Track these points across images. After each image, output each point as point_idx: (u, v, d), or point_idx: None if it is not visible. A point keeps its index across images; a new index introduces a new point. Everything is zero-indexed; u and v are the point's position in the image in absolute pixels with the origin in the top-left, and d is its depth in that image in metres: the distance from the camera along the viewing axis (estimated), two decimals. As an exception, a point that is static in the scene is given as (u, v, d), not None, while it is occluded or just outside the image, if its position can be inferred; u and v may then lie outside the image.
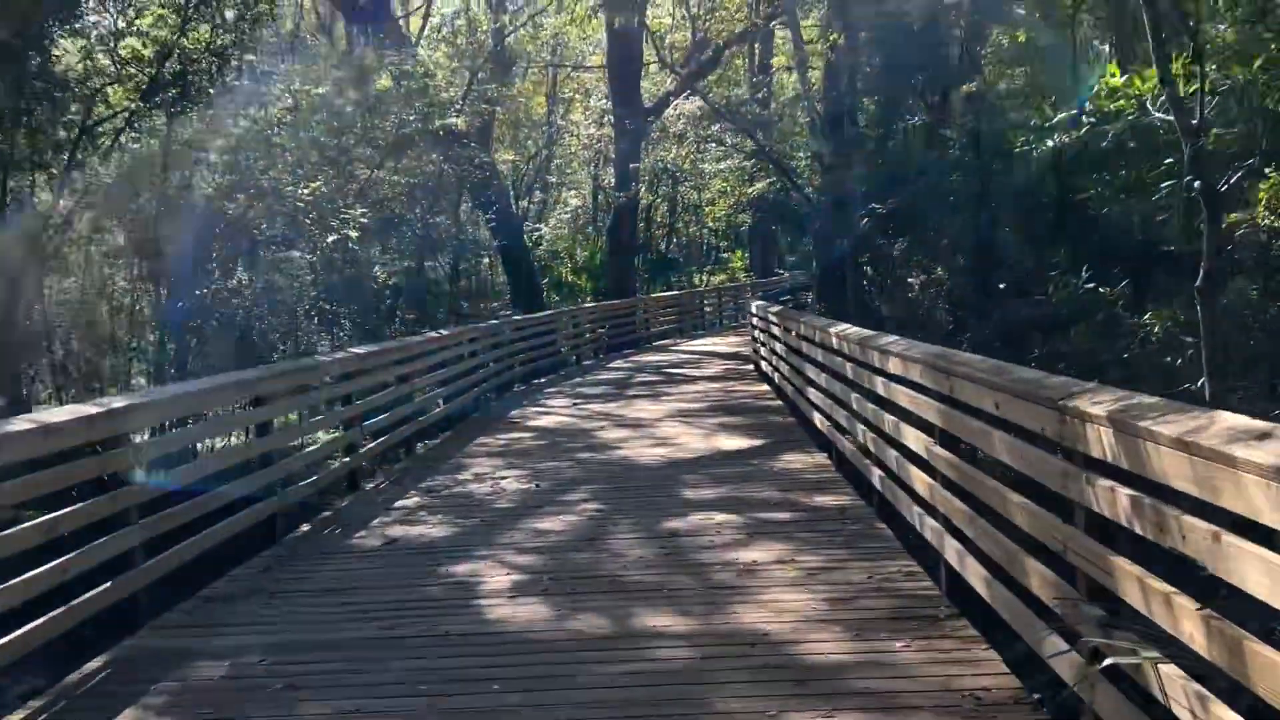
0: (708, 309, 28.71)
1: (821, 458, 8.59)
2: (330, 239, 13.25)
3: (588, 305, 22.49)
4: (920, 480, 5.11)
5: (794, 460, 8.60)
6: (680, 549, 6.00)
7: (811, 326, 9.02)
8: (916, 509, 5.29)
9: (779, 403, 12.29)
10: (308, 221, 13.66)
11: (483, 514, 7.27)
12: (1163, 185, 6.68)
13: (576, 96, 30.47)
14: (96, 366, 13.75)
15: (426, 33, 29.90)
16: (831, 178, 12.43)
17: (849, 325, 7.60)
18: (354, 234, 13.21)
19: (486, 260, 29.59)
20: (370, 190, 16.87)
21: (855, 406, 6.91)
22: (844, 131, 13.92)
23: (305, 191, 13.73)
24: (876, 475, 6.31)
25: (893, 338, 6.02)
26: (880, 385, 5.99)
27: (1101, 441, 2.85)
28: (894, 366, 5.56)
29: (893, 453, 5.79)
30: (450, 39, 24.01)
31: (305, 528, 7.24)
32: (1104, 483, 2.89)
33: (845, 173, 12.08)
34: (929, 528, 5.00)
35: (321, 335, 17.63)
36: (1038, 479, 3.43)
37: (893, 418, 5.76)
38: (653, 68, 33.44)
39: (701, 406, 12.52)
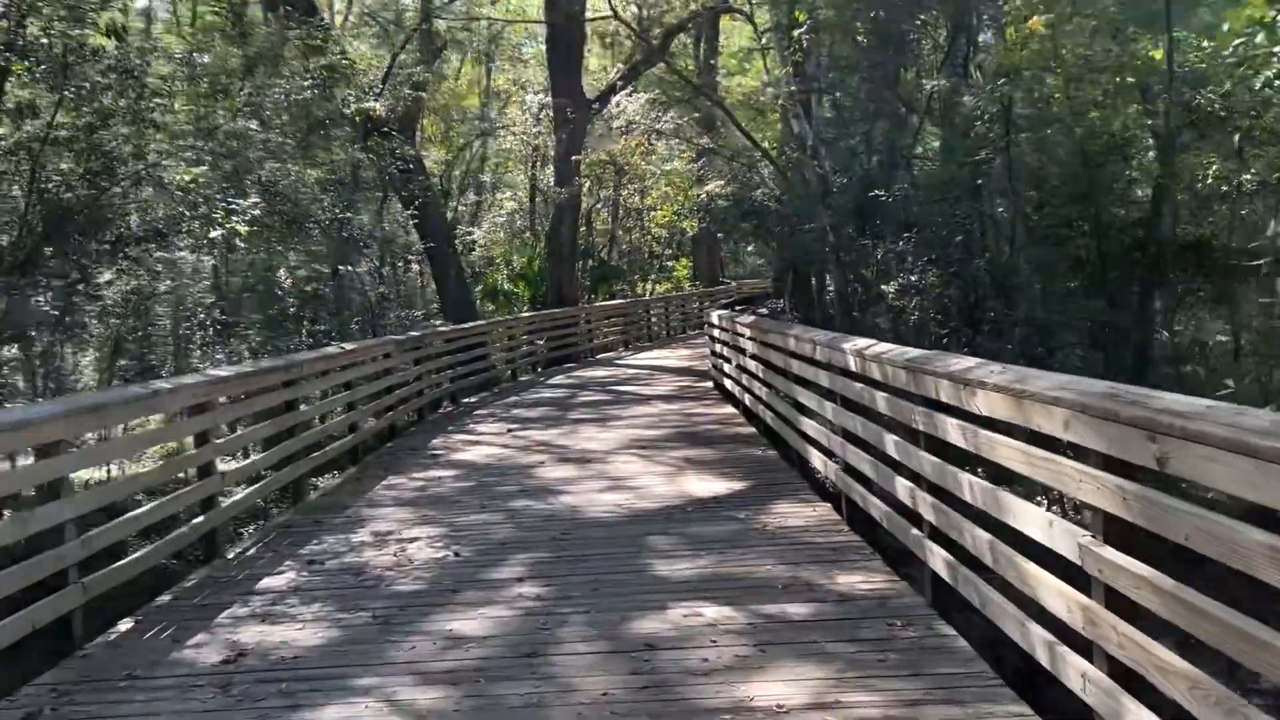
0: (654, 320, 26.82)
1: (826, 510, 6.69)
2: (214, 234, 11.04)
3: (525, 315, 20.46)
4: (1057, 594, 3.22)
5: (791, 513, 6.68)
6: (663, 675, 4.02)
7: (808, 341, 7.13)
8: (1039, 632, 3.39)
9: (751, 430, 10.39)
10: (188, 213, 11.44)
11: (376, 603, 5.21)
12: None
13: (513, 89, 28.36)
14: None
15: (350, 24, 27.67)
16: (810, 165, 10.60)
17: (877, 341, 5.71)
18: (242, 228, 11.01)
19: (416, 267, 27.37)
20: (277, 182, 14.66)
21: (895, 453, 5.01)
22: (813, 116, 12.14)
23: (186, 178, 11.51)
24: (939, 557, 4.41)
25: (971, 360, 4.12)
26: (954, 430, 4.10)
27: None
28: (992, 406, 3.65)
29: (979, 534, 3.89)
30: (370, 19, 21.78)
31: (125, 625, 5.12)
32: None
33: (825, 159, 10.27)
34: (1079, 675, 3.09)
35: (217, 349, 15.39)
36: None
37: (982, 482, 3.86)
38: (593, 64, 31.56)
39: (660, 434, 10.56)
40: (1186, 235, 9.64)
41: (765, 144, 15.86)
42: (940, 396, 4.22)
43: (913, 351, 4.84)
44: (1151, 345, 11.18)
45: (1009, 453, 3.51)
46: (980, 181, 9.03)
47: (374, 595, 5.36)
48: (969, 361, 4.07)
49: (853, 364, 5.80)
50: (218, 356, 15.52)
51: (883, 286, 11.56)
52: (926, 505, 4.54)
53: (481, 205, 32.10)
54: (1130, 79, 8.40)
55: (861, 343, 5.80)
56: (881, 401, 5.22)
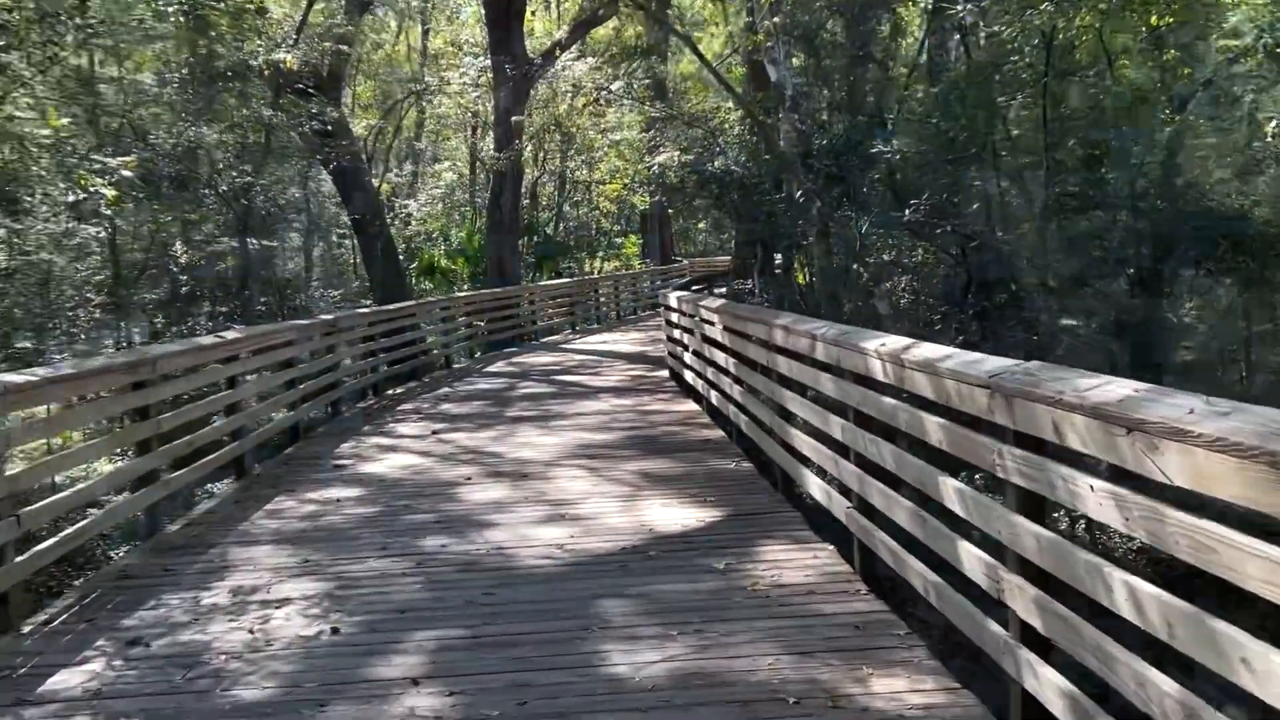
0: (603, 300, 25.15)
1: (830, 555, 5.13)
2: (71, 198, 9.16)
3: (460, 294, 18.69)
4: None
5: (785, 561, 5.11)
6: None
7: (804, 335, 5.55)
8: None
9: (719, 434, 8.83)
10: (43, 173, 9.53)
11: (200, 728, 3.55)
12: None
13: (450, 50, 26.34)
14: None
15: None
16: (790, 119, 9.00)
17: (915, 340, 4.14)
18: (110, 191, 9.14)
19: (350, 243, 25.37)
20: (165, 140, 12.74)
21: (959, 507, 3.45)
22: (780, 70, 10.50)
23: (44, 132, 9.60)
24: (1051, 684, 2.86)
25: (1126, 385, 2.54)
26: (1099, 500, 2.53)
27: None
28: (1202, 473, 2.09)
29: (1158, 681, 2.33)
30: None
31: None
32: None
33: (806, 113, 8.67)
34: None
35: (103, 332, 13.48)
36: None
37: (1172, 600, 2.30)
38: (537, 29, 29.60)
39: (612, 439, 8.96)
40: (1227, 207, 8.24)
41: (727, 111, 14.15)
42: (1066, 439, 2.66)
43: (994, 361, 3.26)
44: (1166, 335, 9.86)
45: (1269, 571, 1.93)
46: (1012, 134, 7.51)
47: (198, 710, 3.69)
48: (1121, 386, 2.51)
49: (879, 370, 4.23)
50: (106, 343, 13.64)
51: (871, 263, 10.03)
52: (1023, 599, 2.98)
53: (419, 175, 30.09)
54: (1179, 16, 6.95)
55: (892, 342, 4.22)
56: (934, 429, 3.65)
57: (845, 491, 4.99)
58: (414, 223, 27.31)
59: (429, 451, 8.83)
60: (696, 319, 9.93)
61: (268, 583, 5.19)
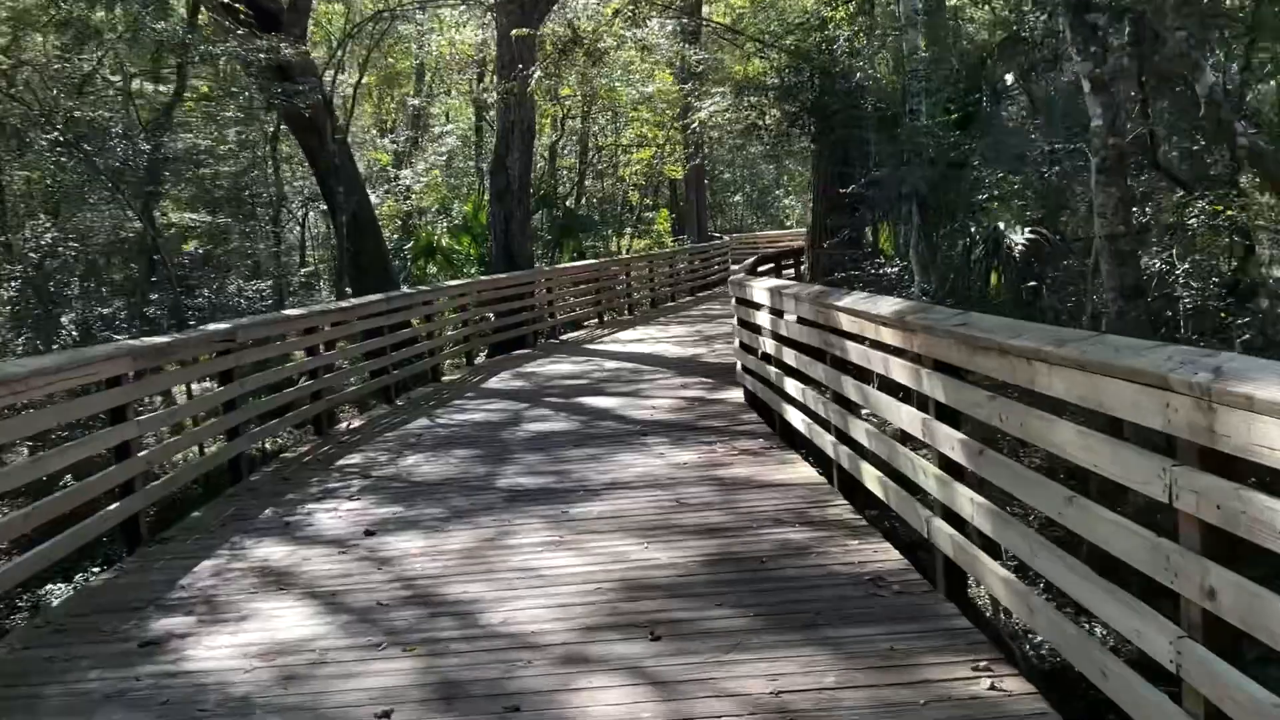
0: (635, 285, 20.88)
1: None
2: None
3: (452, 284, 14.48)
4: None
5: None
6: None
7: None
8: None
9: (889, 553, 4.61)
10: None
11: None
12: None
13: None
14: None
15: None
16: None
17: None
18: None
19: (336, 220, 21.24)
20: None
21: None
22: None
23: None
24: None
25: None
26: None
27: None
28: None
29: None
30: None
31: None
32: None
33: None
34: None
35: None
36: None
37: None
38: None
39: (684, 559, 4.75)
40: None
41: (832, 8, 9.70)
42: None
43: None
44: None
45: None
46: None
47: None
48: None
49: None
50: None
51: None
52: None
53: (419, 142, 25.82)
54: None
55: None
56: None
57: None
58: (413, 196, 23.17)
59: (342, 591, 4.67)
60: (822, 332, 5.71)
61: None
